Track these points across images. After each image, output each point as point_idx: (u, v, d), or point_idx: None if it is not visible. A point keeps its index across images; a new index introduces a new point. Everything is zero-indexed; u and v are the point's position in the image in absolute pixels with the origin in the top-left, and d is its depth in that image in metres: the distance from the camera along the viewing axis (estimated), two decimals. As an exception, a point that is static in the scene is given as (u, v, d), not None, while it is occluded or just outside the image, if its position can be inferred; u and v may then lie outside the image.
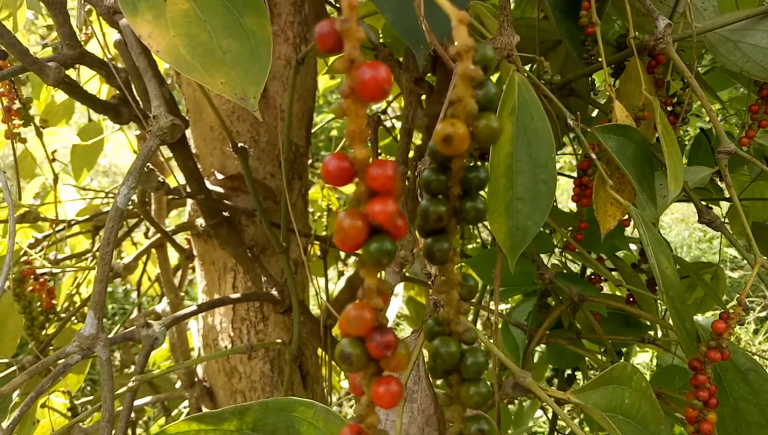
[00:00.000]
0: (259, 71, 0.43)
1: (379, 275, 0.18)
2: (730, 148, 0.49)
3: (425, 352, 0.43)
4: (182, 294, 0.94)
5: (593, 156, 0.53)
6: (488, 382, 0.20)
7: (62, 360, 0.49)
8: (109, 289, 2.43)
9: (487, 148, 0.47)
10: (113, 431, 0.52)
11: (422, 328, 0.42)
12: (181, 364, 0.49)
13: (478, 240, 1.24)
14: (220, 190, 0.73)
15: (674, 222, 3.83)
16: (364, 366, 0.18)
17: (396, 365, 0.18)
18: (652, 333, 0.86)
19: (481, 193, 0.19)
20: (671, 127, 0.60)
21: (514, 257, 0.49)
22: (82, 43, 0.56)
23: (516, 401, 1.23)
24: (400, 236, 0.18)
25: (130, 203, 0.91)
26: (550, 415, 1.45)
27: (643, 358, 1.72)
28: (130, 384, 0.45)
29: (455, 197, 0.19)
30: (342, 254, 1.46)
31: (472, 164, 0.18)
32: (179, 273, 1.01)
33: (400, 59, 0.73)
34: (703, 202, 0.63)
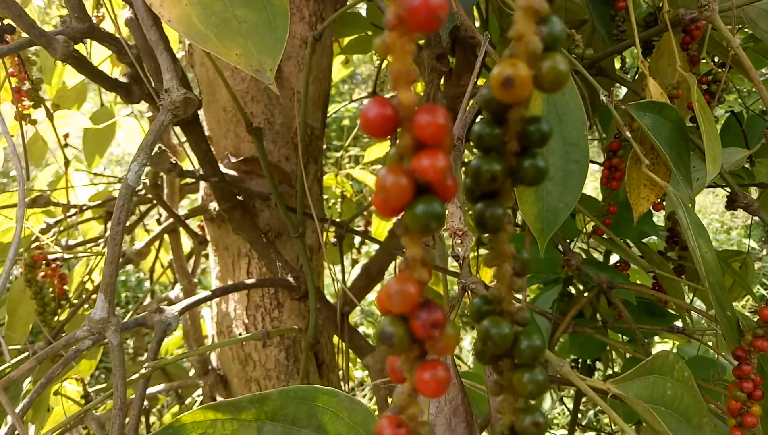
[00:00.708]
0: (276, 42, 0.40)
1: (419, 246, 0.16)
2: (780, 123, 0.46)
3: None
4: (195, 280, 0.92)
5: (627, 134, 0.50)
6: (544, 370, 0.18)
7: (74, 346, 0.47)
8: (122, 277, 2.43)
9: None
10: (126, 419, 0.50)
11: (449, 310, 0.40)
12: (195, 351, 0.47)
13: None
14: (233, 173, 0.71)
15: (691, 213, 3.77)
16: (407, 348, 0.16)
17: (444, 348, 0.16)
18: (679, 323, 0.83)
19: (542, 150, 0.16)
20: (707, 106, 0.56)
21: (544, 240, 0.46)
22: (101, 27, 0.54)
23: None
24: (450, 198, 0.15)
25: (142, 187, 0.89)
26: (567, 406, 1.43)
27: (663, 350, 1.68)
28: (143, 371, 0.43)
29: (512, 154, 0.16)
30: (356, 242, 1.44)
31: (532, 116, 0.16)
32: (192, 260, 1.00)
33: (420, 41, 0.71)
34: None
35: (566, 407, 1.43)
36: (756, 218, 0.60)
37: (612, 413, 0.32)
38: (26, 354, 0.71)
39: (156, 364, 0.43)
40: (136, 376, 0.43)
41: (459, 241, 0.41)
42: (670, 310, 0.83)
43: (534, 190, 0.46)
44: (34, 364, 0.41)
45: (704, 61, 0.66)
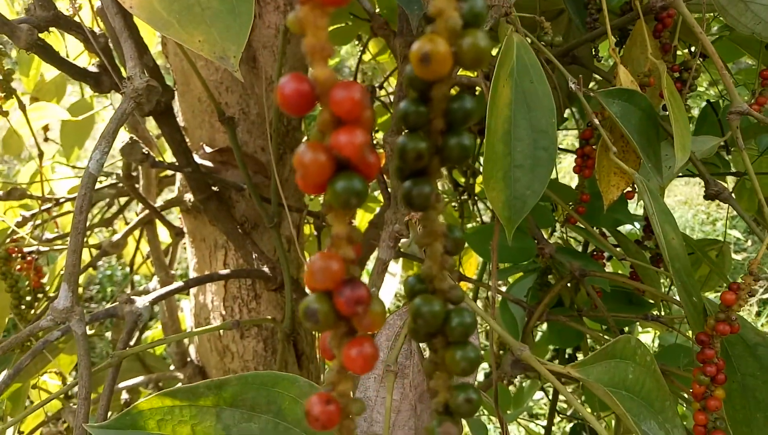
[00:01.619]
0: (240, 29, 0.40)
1: (349, 222, 0.16)
2: (742, 108, 0.46)
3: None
4: (173, 273, 0.92)
5: (596, 121, 0.50)
6: (477, 347, 0.18)
7: (43, 338, 0.47)
8: (108, 271, 2.42)
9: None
10: (98, 409, 0.50)
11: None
12: (165, 339, 0.47)
13: (478, 219, 1.21)
14: (209, 163, 0.71)
15: (677, 204, 3.80)
16: (333, 325, 0.16)
17: (369, 324, 0.16)
18: (656, 312, 0.83)
19: (466, 128, 0.16)
20: (678, 93, 0.57)
21: (512, 228, 0.46)
22: (67, 16, 0.54)
23: (515, 382, 1.22)
24: (372, 175, 0.15)
25: (116, 178, 0.88)
26: (551, 396, 1.44)
27: (645, 340, 1.70)
28: (110, 359, 0.43)
29: (437, 132, 0.16)
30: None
31: (455, 93, 0.16)
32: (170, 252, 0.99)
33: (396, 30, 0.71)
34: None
35: (549, 398, 1.44)
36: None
37: (568, 395, 0.32)
38: None
39: (123, 353, 0.43)
40: (104, 364, 0.43)
41: (417, 225, 0.41)
42: (647, 300, 0.84)
43: (502, 177, 0.46)
44: (0, 354, 0.41)
45: (681, 52, 0.66)
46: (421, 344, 0.43)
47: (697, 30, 0.46)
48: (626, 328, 0.96)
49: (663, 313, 0.87)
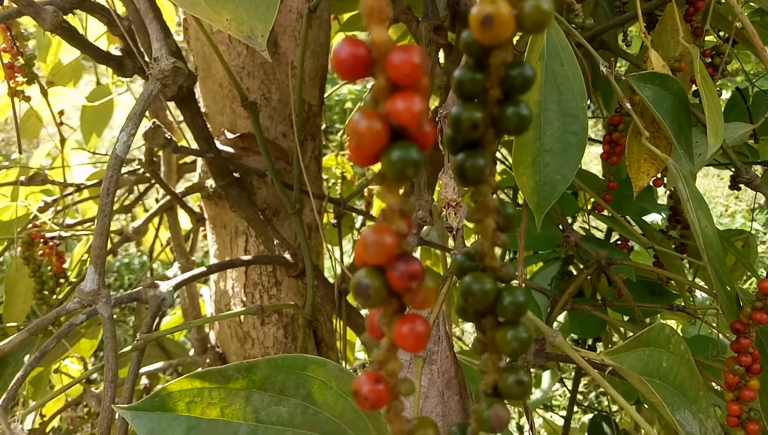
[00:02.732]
0: (268, 8, 0.40)
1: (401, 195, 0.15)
2: (783, 92, 0.45)
3: (445, 309, 0.40)
4: (193, 259, 0.92)
5: (628, 106, 0.49)
6: (528, 327, 0.17)
7: (67, 322, 0.47)
8: (126, 259, 2.44)
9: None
10: (121, 390, 0.50)
11: (443, 281, 0.40)
12: (188, 324, 0.47)
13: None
14: (230, 150, 0.70)
15: (695, 196, 3.75)
16: (385, 301, 0.15)
17: (422, 301, 0.15)
18: (680, 302, 0.82)
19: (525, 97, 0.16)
20: (710, 78, 0.55)
21: (541, 214, 0.45)
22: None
23: (533, 372, 1.21)
24: (429, 145, 0.15)
25: (138, 164, 0.89)
26: (568, 387, 1.43)
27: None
28: (135, 343, 0.43)
29: (494, 101, 0.15)
30: (357, 223, 1.44)
31: (514, 60, 0.15)
32: (191, 238, 0.99)
33: (419, 17, 0.70)
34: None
35: (567, 388, 1.44)
36: (760, 202, 0.59)
37: (605, 383, 0.32)
38: (24, 332, 0.71)
39: (148, 337, 0.43)
40: (129, 348, 0.43)
41: (453, 213, 0.41)
42: (671, 290, 0.83)
43: (531, 162, 0.45)
44: (25, 336, 0.41)
45: (710, 37, 0.64)
46: (448, 330, 0.42)
47: (736, 10, 0.44)
48: (648, 319, 0.95)
49: (687, 304, 0.86)
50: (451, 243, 0.67)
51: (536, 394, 1.08)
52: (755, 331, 0.42)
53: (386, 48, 0.13)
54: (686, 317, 0.95)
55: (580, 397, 1.91)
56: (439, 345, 0.39)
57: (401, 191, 0.15)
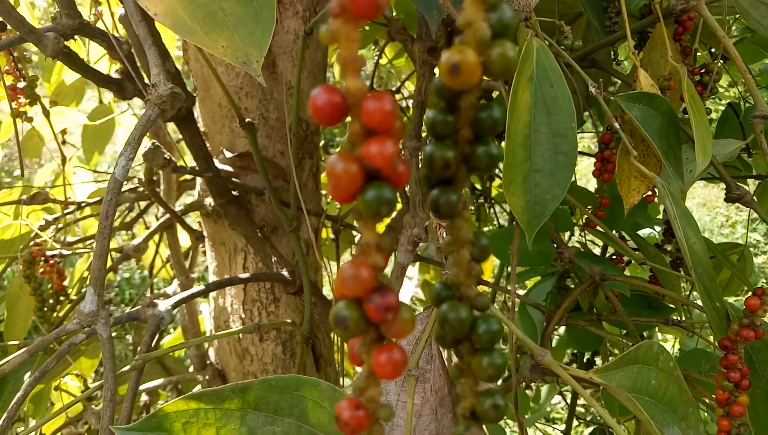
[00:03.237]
0: (263, 34, 0.41)
1: (379, 232, 0.16)
2: (767, 112, 0.46)
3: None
4: (193, 276, 0.92)
5: (616, 126, 0.50)
6: (503, 353, 0.18)
7: (67, 341, 0.48)
8: (126, 275, 2.45)
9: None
10: (121, 411, 0.51)
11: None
12: (188, 342, 0.48)
13: (495, 223, 1.21)
14: (229, 168, 0.71)
15: (696, 207, 3.76)
16: (363, 331, 0.16)
17: (398, 331, 0.16)
18: (676, 317, 0.83)
19: (494, 137, 0.17)
20: (699, 97, 0.56)
21: (532, 232, 0.46)
22: (91, 23, 0.55)
23: (533, 386, 1.21)
24: (402, 184, 0.15)
25: (138, 183, 0.90)
26: (569, 401, 1.43)
27: (665, 346, 1.68)
28: (134, 362, 0.43)
29: (465, 141, 0.16)
30: (356, 238, 1.45)
31: (484, 103, 0.16)
32: (190, 256, 1.00)
33: (414, 35, 0.71)
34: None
35: (567, 402, 1.44)
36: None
37: (591, 400, 0.32)
38: (24, 350, 0.72)
39: (147, 357, 0.44)
40: (128, 368, 0.43)
41: (444, 233, 0.41)
42: (667, 304, 0.83)
43: (522, 181, 0.46)
44: (25, 357, 0.41)
45: (702, 52, 0.66)
46: (441, 349, 0.43)
47: (719, 33, 0.46)
48: (645, 333, 0.95)
49: (684, 318, 0.86)
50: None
51: (533, 409, 1.08)
52: (744, 347, 0.42)
53: (360, 95, 0.14)
54: (683, 331, 0.96)
55: (582, 410, 1.90)
56: (432, 364, 0.40)
57: (378, 227, 0.16)
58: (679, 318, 0.83)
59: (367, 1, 0.13)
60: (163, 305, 0.52)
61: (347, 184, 0.15)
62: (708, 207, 3.81)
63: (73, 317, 0.40)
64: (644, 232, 1.01)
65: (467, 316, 0.18)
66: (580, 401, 1.97)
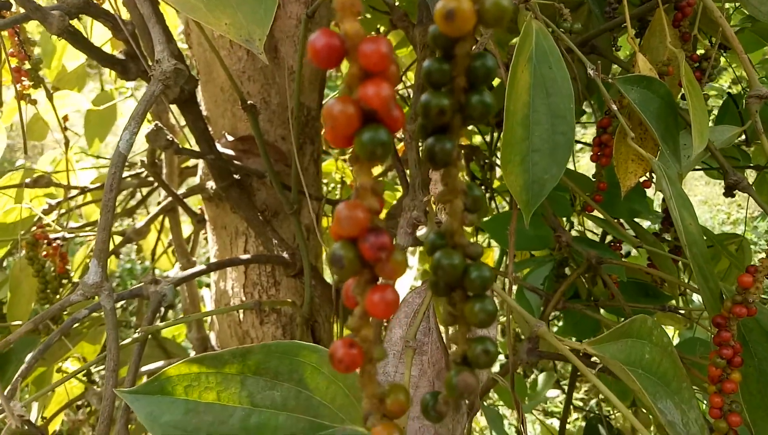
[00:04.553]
0: (266, 12, 0.41)
1: (374, 178, 0.17)
2: (762, 92, 0.46)
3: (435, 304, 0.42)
4: (194, 259, 0.93)
5: (614, 107, 0.51)
6: (494, 301, 0.19)
7: (71, 316, 0.48)
8: (128, 265, 2.46)
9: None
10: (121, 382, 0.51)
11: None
12: (191, 316, 0.49)
13: (495, 212, 1.22)
14: (230, 152, 0.72)
15: (697, 204, 3.76)
16: (357, 271, 0.17)
17: (391, 271, 0.17)
18: (673, 303, 0.83)
19: (488, 86, 0.17)
20: (697, 82, 0.57)
21: (529, 212, 0.47)
22: (96, 3, 0.55)
23: (531, 374, 1.22)
24: (397, 128, 0.16)
25: (140, 165, 0.90)
26: (566, 392, 1.44)
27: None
28: (136, 334, 0.44)
29: (460, 90, 0.17)
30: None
31: (477, 52, 0.17)
32: (191, 240, 1.01)
33: (415, 22, 0.71)
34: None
35: (563, 391, 1.44)
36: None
37: (585, 369, 0.33)
38: (27, 329, 0.73)
39: (148, 329, 0.44)
40: (129, 340, 0.44)
41: (444, 208, 0.42)
42: (664, 292, 0.84)
43: (520, 161, 0.47)
44: (31, 327, 0.42)
45: (702, 41, 0.66)
46: (439, 324, 0.43)
47: (716, 14, 0.46)
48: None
49: (683, 306, 0.87)
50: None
51: (530, 397, 1.09)
52: (737, 325, 0.43)
53: (357, 39, 0.15)
54: (681, 320, 0.96)
55: (580, 403, 1.91)
56: (429, 336, 0.41)
57: (373, 170, 0.16)
58: (676, 305, 0.84)
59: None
60: (166, 283, 0.52)
61: (344, 126, 0.15)
62: (709, 204, 3.81)
63: (77, 288, 0.41)
64: (644, 224, 1.01)
65: (460, 262, 0.18)
66: (578, 395, 1.98)
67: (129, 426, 0.45)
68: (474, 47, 0.48)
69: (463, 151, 1.17)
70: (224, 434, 0.32)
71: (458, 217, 0.18)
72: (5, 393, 0.47)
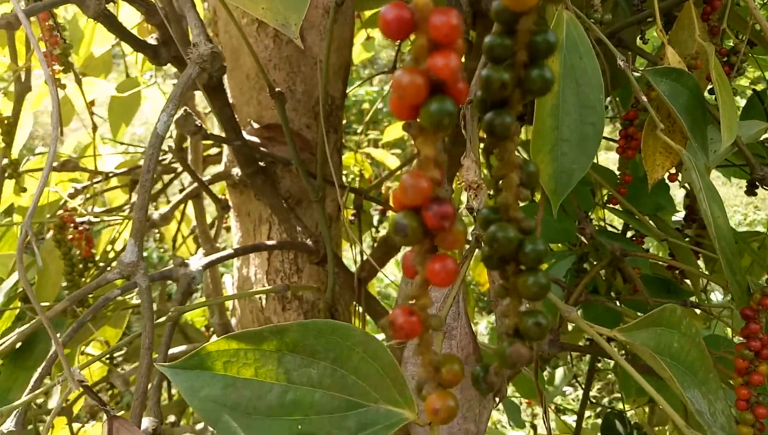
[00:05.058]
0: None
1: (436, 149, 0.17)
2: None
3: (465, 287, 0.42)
4: (218, 245, 0.94)
5: (644, 99, 0.51)
6: (545, 273, 0.19)
7: (104, 295, 0.49)
8: (145, 253, 2.48)
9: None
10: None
11: (462, 262, 0.41)
12: (215, 300, 0.49)
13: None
14: (256, 139, 0.72)
15: (714, 203, 3.72)
16: (420, 240, 0.17)
17: (453, 241, 0.17)
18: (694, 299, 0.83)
19: (548, 61, 0.17)
20: (726, 76, 0.57)
21: (557, 200, 0.47)
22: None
23: (548, 369, 1.22)
24: (462, 99, 0.16)
25: (167, 150, 0.91)
26: (580, 393, 1.43)
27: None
28: (170, 314, 0.45)
29: (521, 65, 0.17)
30: (375, 220, 1.46)
31: (539, 27, 0.17)
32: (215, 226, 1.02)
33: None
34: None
35: (580, 385, 1.44)
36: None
37: (616, 355, 0.33)
38: (65, 299, 0.74)
39: (181, 309, 0.45)
40: (164, 319, 0.45)
41: (474, 195, 0.42)
42: (686, 289, 0.84)
43: (549, 150, 0.47)
44: (66, 305, 0.43)
45: (731, 36, 0.66)
46: (466, 308, 0.44)
47: (756, 13, 0.46)
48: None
49: (701, 302, 0.86)
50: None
51: (549, 391, 1.09)
52: (765, 316, 0.43)
53: (427, 10, 0.15)
54: (700, 317, 0.96)
55: (593, 401, 1.91)
56: (459, 321, 0.41)
57: (437, 143, 0.17)
58: (699, 301, 0.83)
59: None
60: (195, 265, 0.53)
61: (413, 96, 0.16)
62: (726, 205, 3.77)
63: (115, 267, 0.42)
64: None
65: (515, 235, 0.19)
66: (593, 392, 1.97)
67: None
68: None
69: (483, 145, 1.17)
70: (261, 409, 0.32)
71: (513, 191, 0.19)
72: (38, 375, 0.48)
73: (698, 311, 0.88)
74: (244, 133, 0.70)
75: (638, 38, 0.69)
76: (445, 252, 0.17)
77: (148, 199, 0.41)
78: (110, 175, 0.90)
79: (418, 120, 0.16)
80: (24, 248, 0.45)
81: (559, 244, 0.86)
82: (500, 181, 0.19)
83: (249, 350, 0.33)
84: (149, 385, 0.40)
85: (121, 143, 1.03)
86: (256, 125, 0.73)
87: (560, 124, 0.48)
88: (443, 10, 0.15)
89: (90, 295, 0.80)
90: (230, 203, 0.79)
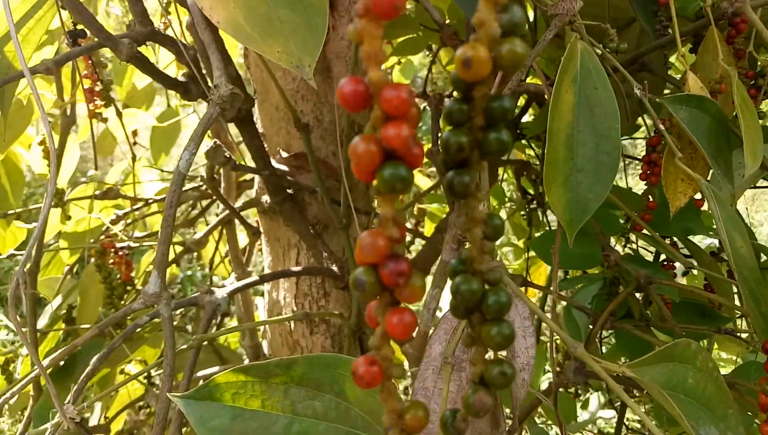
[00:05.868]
0: (315, 41, 0.43)
1: (396, 206, 0.18)
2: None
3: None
4: (250, 270, 0.97)
5: (662, 127, 0.50)
6: (510, 325, 0.20)
7: (133, 322, 0.52)
8: (189, 271, 2.55)
9: (511, 73, 0.46)
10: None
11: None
12: (242, 326, 0.51)
13: (547, 228, 1.21)
14: (284, 168, 0.75)
15: (765, 220, 3.58)
16: (378, 294, 0.18)
17: (409, 295, 0.18)
18: (730, 326, 0.80)
19: (504, 124, 0.18)
20: (750, 99, 0.56)
21: (573, 231, 0.47)
22: (161, 31, 0.59)
23: (580, 393, 1.19)
24: (416, 164, 0.17)
25: (201, 181, 0.95)
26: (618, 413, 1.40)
27: (726, 358, 1.61)
28: (191, 342, 0.47)
29: (478, 128, 0.18)
30: (405, 240, 1.46)
31: (495, 94, 0.18)
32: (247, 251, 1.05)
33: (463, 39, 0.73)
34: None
35: (615, 409, 1.40)
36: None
37: (623, 394, 0.33)
38: (95, 332, 0.78)
39: (202, 337, 0.47)
40: (185, 346, 0.47)
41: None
42: (722, 314, 0.81)
43: (563, 181, 0.47)
44: (96, 332, 0.45)
45: (761, 59, 0.64)
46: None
47: (765, 34, 0.45)
48: (703, 342, 0.93)
49: (741, 328, 0.83)
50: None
51: (583, 416, 1.07)
52: (787, 351, 0.42)
53: (380, 85, 0.16)
54: (743, 343, 0.93)
55: (637, 425, 1.85)
56: (468, 354, 0.42)
57: (395, 203, 0.18)
58: (735, 328, 0.81)
59: (387, 3, 0.15)
60: (220, 293, 0.55)
61: (367, 163, 0.17)
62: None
63: (139, 298, 0.44)
64: (703, 242, 0.98)
65: (478, 288, 0.19)
66: (634, 416, 1.91)
67: (183, 429, 0.47)
68: (509, 84, 0.49)
69: (514, 167, 1.17)
70: (267, 440, 0.34)
71: (477, 244, 0.20)
72: (72, 394, 0.50)
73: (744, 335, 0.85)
74: (273, 162, 0.72)
75: (663, 63, 0.69)
76: (405, 305, 0.18)
77: (171, 233, 0.43)
78: (150, 201, 0.94)
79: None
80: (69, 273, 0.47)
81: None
82: (467, 236, 0.20)
83: (256, 382, 0.34)
84: (169, 411, 0.42)
85: (162, 170, 1.07)
86: (285, 154, 0.76)
87: (575, 154, 0.48)
88: (395, 86, 0.16)
89: (128, 317, 0.84)
90: (261, 229, 0.82)
